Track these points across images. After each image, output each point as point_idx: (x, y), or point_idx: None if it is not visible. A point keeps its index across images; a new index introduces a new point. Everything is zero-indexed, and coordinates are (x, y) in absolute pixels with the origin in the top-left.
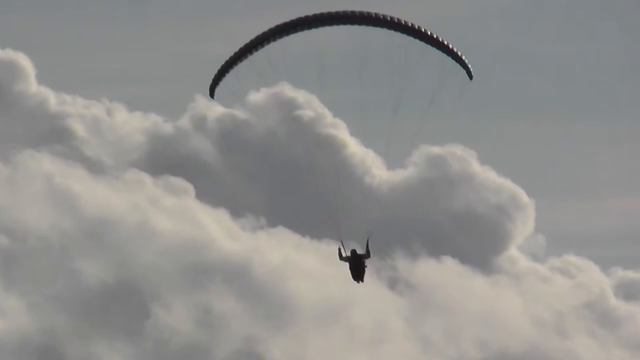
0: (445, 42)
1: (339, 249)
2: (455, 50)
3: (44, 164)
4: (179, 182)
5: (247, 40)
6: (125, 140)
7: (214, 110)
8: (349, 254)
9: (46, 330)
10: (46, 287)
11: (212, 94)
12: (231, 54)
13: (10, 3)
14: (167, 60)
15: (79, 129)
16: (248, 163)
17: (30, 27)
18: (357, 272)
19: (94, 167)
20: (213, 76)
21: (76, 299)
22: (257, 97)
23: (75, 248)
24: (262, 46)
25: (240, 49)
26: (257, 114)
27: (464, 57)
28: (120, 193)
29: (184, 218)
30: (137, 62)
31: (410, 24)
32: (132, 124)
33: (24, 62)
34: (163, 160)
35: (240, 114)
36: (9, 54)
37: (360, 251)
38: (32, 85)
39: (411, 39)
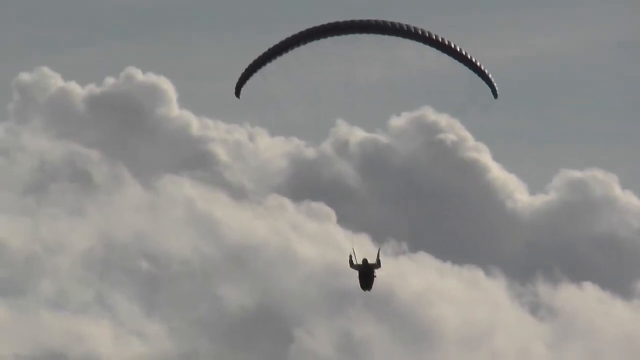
0: (474, 60)
1: (350, 256)
2: (482, 67)
3: (185, 189)
4: (320, 207)
5: (274, 44)
6: (267, 165)
7: (356, 134)
8: (360, 262)
9: (188, 354)
10: (188, 312)
11: (237, 94)
12: (261, 54)
13: (152, 28)
14: (308, 85)
15: (221, 153)
16: (390, 187)
17: (171, 51)
18: (366, 281)
19: (236, 193)
20: (240, 76)
21: (218, 324)
22: (398, 121)
23: (217, 273)
24: (291, 49)
25: (268, 51)
26: (399, 138)
27: (490, 75)
28: (262, 218)
29: (326, 243)
30: (278, 87)
31: (440, 39)
32: (274, 149)
33: (166, 85)
34: (305, 185)
35: (382, 138)
36: (150, 77)
37: (371, 261)
38: (174, 109)
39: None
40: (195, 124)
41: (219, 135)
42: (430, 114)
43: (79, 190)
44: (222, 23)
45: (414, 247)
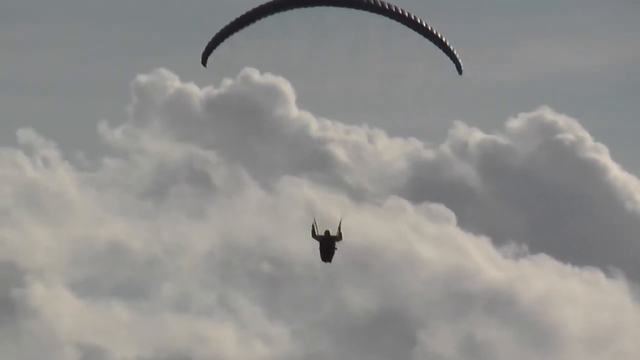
0: (439, 35)
1: (313, 226)
2: (448, 43)
3: (304, 190)
4: (440, 208)
5: (244, 12)
6: (386, 166)
7: (474, 136)
8: (322, 233)
9: (312, 357)
10: (311, 315)
11: (204, 62)
12: (229, 23)
13: (269, 28)
14: (425, 86)
15: (340, 154)
16: (509, 189)
17: (289, 51)
18: (327, 253)
19: (355, 194)
20: (207, 43)
21: (341, 326)
22: (515, 122)
23: (339, 276)
24: (259, 18)
25: (237, 20)
26: (517, 139)
27: (455, 51)
28: (382, 220)
29: (446, 246)
30: (395, 88)
31: (407, 14)
32: (393, 150)
33: (284, 86)
34: (424, 186)
35: (500, 139)
36: (268, 78)
37: (333, 233)
38: (293, 110)
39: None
40: (314, 124)
41: (338, 136)
42: (548, 114)
43: (198, 192)
44: None
45: (535, 249)
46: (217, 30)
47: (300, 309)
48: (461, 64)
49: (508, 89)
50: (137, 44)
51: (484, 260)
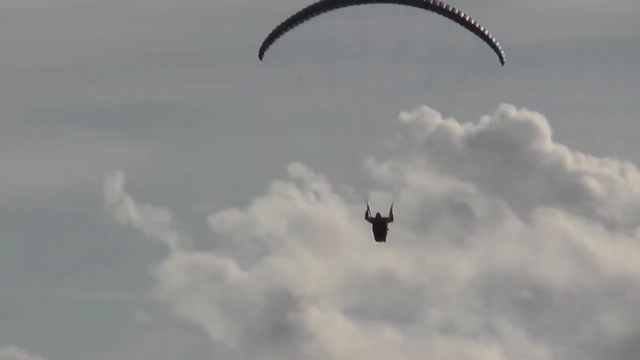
0: (481, 27)
1: (367, 210)
2: (490, 35)
3: (560, 222)
4: None
5: (299, 9)
6: (637, 198)
7: None
8: (374, 215)
9: None
10: (571, 339)
11: (260, 57)
12: (284, 19)
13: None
14: None
15: (594, 187)
16: None
17: (543, 86)
18: (380, 234)
19: (608, 225)
20: (264, 39)
21: (601, 349)
22: None
23: (597, 303)
24: (316, 14)
25: (292, 17)
26: None
27: (497, 43)
28: (634, 250)
29: None
30: None
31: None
32: None
33: (539, 121)
34: None
35: None
36: (524, 114)
37: (384, 215)
38: (548, 145)
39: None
40: (569, 158)
41: (592, 169)
42: None
43: (460, 223)
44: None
45: None
46: None
47: (561, 333)
48: (503, 55)
49: None
50: (400, 81)
51: None
